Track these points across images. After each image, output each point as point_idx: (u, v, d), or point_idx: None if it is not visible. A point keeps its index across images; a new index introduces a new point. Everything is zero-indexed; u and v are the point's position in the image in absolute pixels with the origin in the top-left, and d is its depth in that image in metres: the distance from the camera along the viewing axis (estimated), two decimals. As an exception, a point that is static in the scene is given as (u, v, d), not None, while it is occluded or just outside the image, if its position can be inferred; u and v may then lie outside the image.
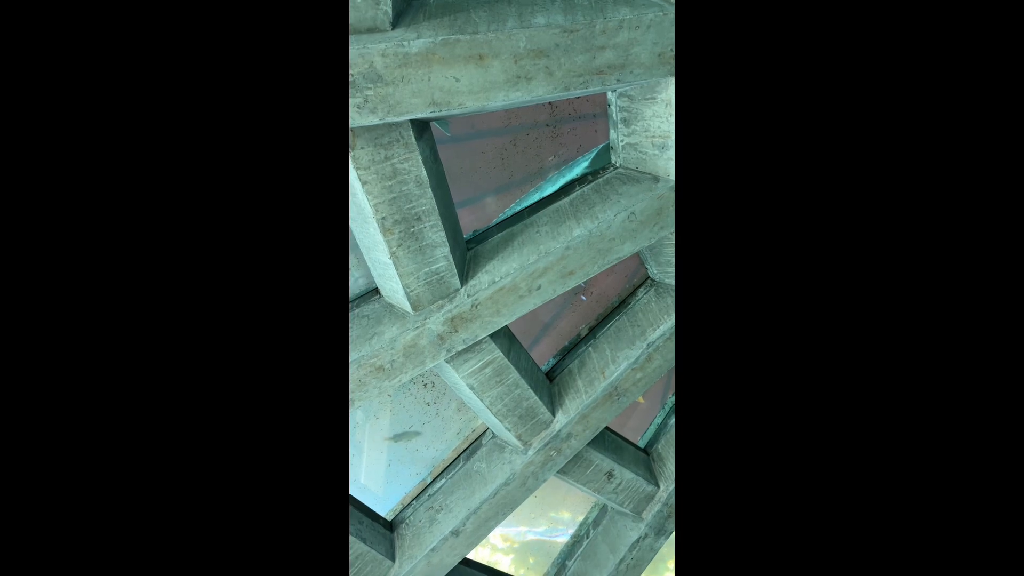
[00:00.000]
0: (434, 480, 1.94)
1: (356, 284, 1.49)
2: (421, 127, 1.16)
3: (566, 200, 1.48)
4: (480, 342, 1.50)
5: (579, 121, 1.65)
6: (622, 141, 1.49)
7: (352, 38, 0.98)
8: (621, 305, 1.89)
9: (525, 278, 1.43)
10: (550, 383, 1.80)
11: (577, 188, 1.51)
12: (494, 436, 1.83)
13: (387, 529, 1.80)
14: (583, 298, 2.01)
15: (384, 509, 1.84)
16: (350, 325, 1.40)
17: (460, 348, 1.46)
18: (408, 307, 1.36)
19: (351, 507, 1.68)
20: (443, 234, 1.27)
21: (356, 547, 1.63)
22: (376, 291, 1.45)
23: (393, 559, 1.75)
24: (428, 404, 1.79)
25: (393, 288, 1.35)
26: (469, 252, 1.45)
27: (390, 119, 1.06)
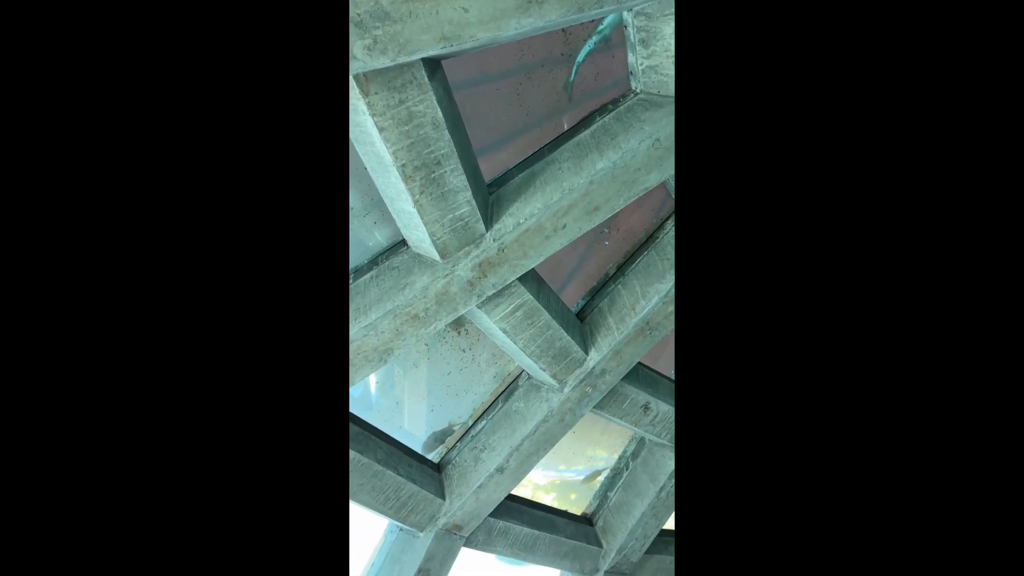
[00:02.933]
0: (475, 423, 2.02)
1: (368, 245, 1.50)
2: (433, 66, 1.13)
3: (587, 132, 1.44)
4: (509, 286, 1.51)
5: (595, 52, 1.57)
6: (641, 64, 1.42)
7: (354, -26, 0.94)
8: (649, 240, 1.86)
9: (550, 217, 1.41)
10: (581, 323, 1.81)
11: (597, 119, 1.46)
12: (530, 377, 1.87)
13: (435, 470, 1.89)
14: (606, 243, 1.98)
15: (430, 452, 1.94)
16: (382, 277, 1.43)
17: (490, 293, 1.47)
18: (436, 255, 1.37)
19: (400, 451, 1.77)
20: (464, 178, 1.26)
21: (408, 488, 1.73)
22: (403, 242, 1.47)
23: (443, 497, 1.85)
24: (463, 350, 1.83)
25: (420, 237, 1.36)
26: (491, 196, 1.43)
27: (401, 59, 1.03)
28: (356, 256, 1.48)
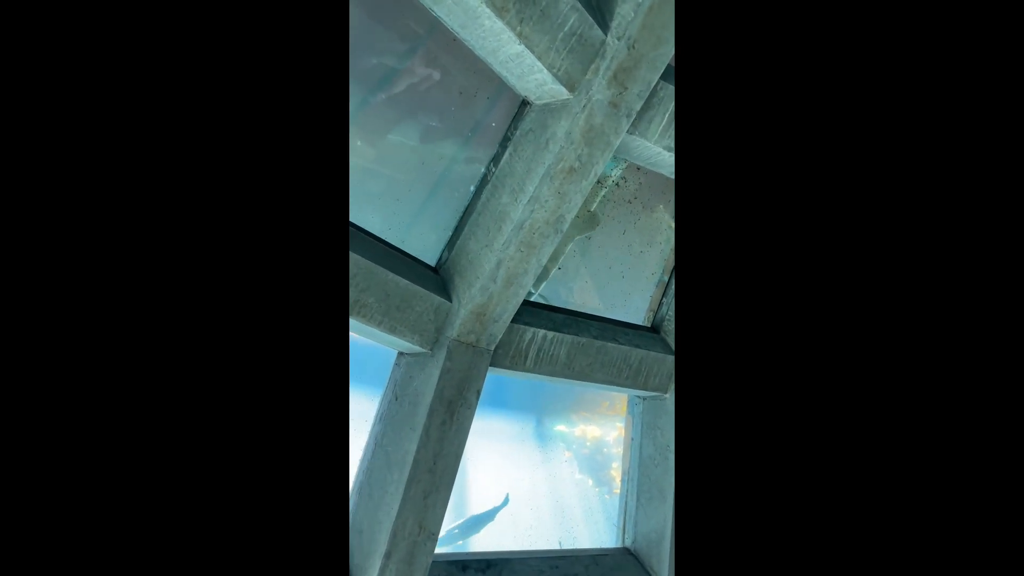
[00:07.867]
0: (670, 279, 1.86)
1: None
2: None
3: None
4: (656, 90, 1.29)
5: None
6: None
7: None
8: None
9: (671, -24, 1.15)
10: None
11: None
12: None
13: (655, 332, 1.80)
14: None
15: (638, 320, 1.84)
16: (520, 147, 1.32)
17: (638, 107, 1.27)
18: (564, 91, 1.21)
19: (611, 324, 1.71)
20: (558, -22, 1.07)
21: (635, 354, 1.66)
22: (524, 103, 1.33)
23: (673, 355, 1.75)
24: (630, 201, 1.67)
25: (539, 80, 1.21)
26: (593, -3, 1.21)
27: None
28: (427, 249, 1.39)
